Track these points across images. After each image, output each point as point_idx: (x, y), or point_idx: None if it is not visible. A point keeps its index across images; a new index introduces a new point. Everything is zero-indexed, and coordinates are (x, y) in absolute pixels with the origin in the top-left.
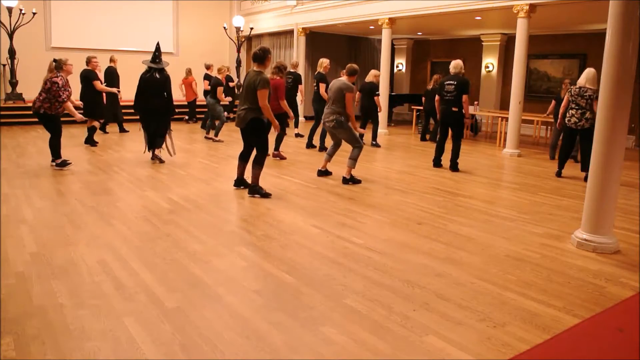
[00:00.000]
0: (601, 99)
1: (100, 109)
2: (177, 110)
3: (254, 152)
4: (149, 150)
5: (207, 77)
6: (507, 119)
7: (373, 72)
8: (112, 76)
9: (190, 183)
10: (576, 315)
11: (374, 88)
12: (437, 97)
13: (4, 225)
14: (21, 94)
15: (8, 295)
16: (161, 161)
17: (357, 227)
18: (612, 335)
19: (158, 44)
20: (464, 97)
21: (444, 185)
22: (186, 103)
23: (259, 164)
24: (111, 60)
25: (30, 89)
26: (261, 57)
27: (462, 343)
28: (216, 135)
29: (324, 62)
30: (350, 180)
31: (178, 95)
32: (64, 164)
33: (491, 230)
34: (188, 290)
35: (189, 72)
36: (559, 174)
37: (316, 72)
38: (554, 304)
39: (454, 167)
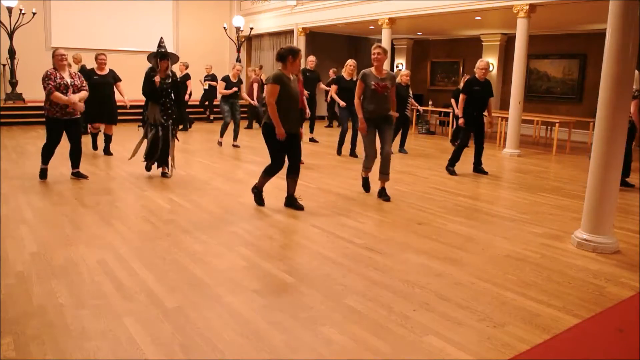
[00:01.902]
0: (601, 99)
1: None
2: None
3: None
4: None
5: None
6: (507, 119)
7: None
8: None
9: (190, 183)
10: (576, 315)
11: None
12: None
13: (4, 225)
14: (21, 94)
15: (8, 295)
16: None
17: (357, 227)
18: (612, 335)
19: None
20: (460, 97)
21: (444, 185)
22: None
23: (266, 173)
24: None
25: (30, 89)
26: (281, 56)
27: (462, 343)
28: (221, 135)
29: (347, 63)
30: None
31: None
32: (43, 174)
33: (491, 230)
34: (188, 290)
35: None
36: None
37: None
38: (554, 304)
39: (447, 167)
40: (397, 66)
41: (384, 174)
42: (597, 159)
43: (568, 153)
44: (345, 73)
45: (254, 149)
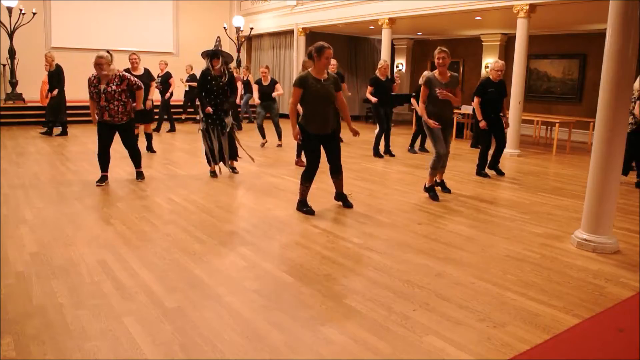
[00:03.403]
0: (601, 99)
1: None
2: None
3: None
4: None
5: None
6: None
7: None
8: (59, 77)
9: (189, 183)
10: (576, 315)
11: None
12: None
13: (4, 225)
14: (21, 94)
15: (8, 295)
16: (234, 171)
17: (357, 227)
18: (612, 335)
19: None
20: (474, 100)
21: None
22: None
23: (303, 178)
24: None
25: (30, 89)
26: (309, 54)
27: (462, 343)
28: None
29: (383, 65)
30: (428, 190)
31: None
32: (102, 179)
33: (491, 230)
34: (188, 290)
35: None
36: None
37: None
38: (554, 304)
39: (477, 173)
40: (397, 66)
41: (443, 167)
42: (597, 159)
43: (568, 153)
44: (379, 73)
45: (254, 149)
